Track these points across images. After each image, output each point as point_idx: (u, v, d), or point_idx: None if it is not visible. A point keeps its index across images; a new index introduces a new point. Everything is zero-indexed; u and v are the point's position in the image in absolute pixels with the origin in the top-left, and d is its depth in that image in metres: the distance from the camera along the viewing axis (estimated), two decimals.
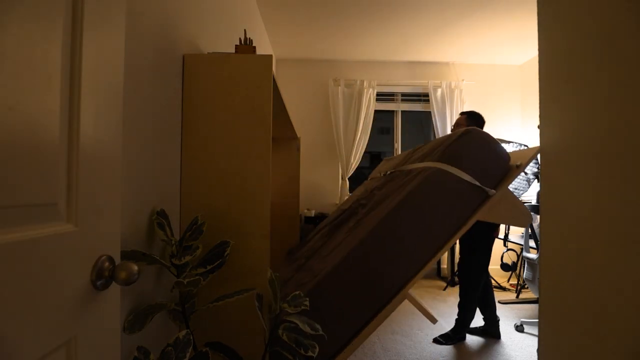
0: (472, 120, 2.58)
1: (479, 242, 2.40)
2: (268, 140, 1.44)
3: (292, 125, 2.74)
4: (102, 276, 0.61)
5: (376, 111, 4.26)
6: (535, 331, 2.53)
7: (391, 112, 4.49)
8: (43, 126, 0.52)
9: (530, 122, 4.16)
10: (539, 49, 0.83)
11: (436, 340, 2.42)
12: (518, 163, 1.84)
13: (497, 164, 1.83)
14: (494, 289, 3.15)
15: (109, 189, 0.67)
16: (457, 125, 2.64)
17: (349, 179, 4.18)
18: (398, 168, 2.29)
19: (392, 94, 4.43)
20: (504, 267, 3.47)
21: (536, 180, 3.28)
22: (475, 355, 2.27)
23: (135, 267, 0.63)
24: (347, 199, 3.00)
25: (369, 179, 3.04)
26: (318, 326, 1.25)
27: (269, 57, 1.48)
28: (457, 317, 2.47)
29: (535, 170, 3.29)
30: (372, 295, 1.58)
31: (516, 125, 4.35)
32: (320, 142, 4.26)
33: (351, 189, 4.34)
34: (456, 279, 3.84)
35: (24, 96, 0.48)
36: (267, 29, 3.54)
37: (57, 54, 0.54)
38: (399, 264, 1.62)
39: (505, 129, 4.28)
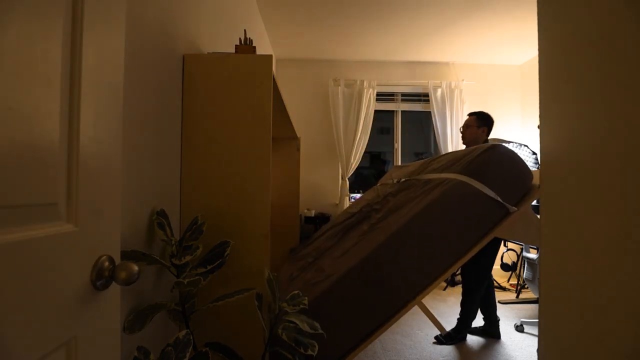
0: (482, 120, 2.57)
1: (485, 247, 2.40)
2: (268, 140, 1.44)
3: (292, 125, 2.74)
4: (102, 276, 0.61)
5: (376, 111, 4.26)
6: (535, 331, 2.53)
7: (391, 112, 4.49)
8: (43, 126, 0.52)
9: (530, 122, 4.16)
10: (539, 49, 0.83)
11: (438, 340, 2.42)
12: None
13: (520, 181, 1.81)
14: (494, 289, 3.14)
15: (109, 189, 0.67)
16: (466, 126, 2.61)
17: (348, 179, 4.18)
18: (414, 177, 2.28)
19: (392, 94, 4.43)
20: (504, 267, 3.47)
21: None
22: (475, 355, 2.27)
23: (135, 267, 0.63)
24: (356, 202, 3.01)
25: (379, 184, 3.05)
26: (317, 325, 1.25)
27: (269, 57, 1.48)
28: (459, 316, 2.47)
29: (536, 170, 3.29)
30: (386, 301, 1.59)
31: (516, 125, 4.35)
32: (320, 142, 4.26)
33: (351, 189, 4.34)
34: (456, 278, 3.84)
35: (24, 96, 0.48)
36: (267, 29, 3.54)
37: (57, 54, 0.54)
38: (414, 272, 1.61)
39: (505, 129, 4.27)
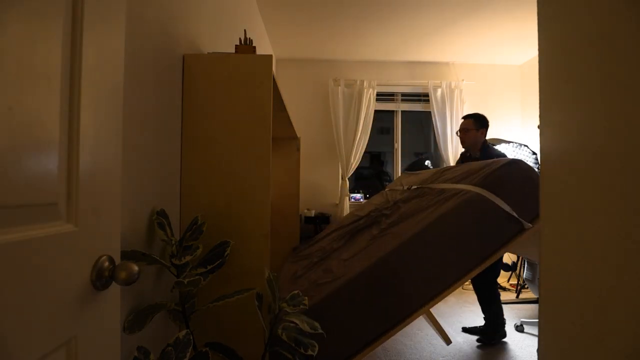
0: (479, 122, 2.56)
1: None
2: (268, 140, 1.44)
3: (292, 125, 2.74)
4: (102, 276, 0.61)
5: (376, 111, 4.26)
6: (535, 331, 2.53)
7: (391, 112, 4.48)
8: (43, 126, 0.52)
9: (530, 122, 4.16)
10: (539, 49, 0.83)
11: (479, 340, 2.42)
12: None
13: (537, 198, 1.80)
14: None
15: (109, 189, 0.67)
16: (465, 130, 2.59)
17: (348, 179, 4.18)
18: (426, 185, 2.28)
19: (392, 94, 4.43)
20: (504, 267, 3.47)
21: None
22: (475, 355, 2.27)
23: (135, 267, 0.62)
24: (363, 206, 3.01)
25: (387, 189, 3.05)
26: (317, 325, 1.25)
27: (269, 57, 1.48)
28: (484, 320, 2.46)
29: (536, 170, 3.29)
30: (395, 307, 1.58)
31: (516, 125, 4.35)
32: (320, 142, 4.26)
33: (351, 189, 4.34)
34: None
35: (24, 96, 0.48)
36: (267, 29, 3.54)
37: (57, 54, 0.54)
38: (426, 280, 1.61)
39: (505, 129, 4.27)
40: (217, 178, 1.43)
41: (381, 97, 4.36)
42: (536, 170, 1.89)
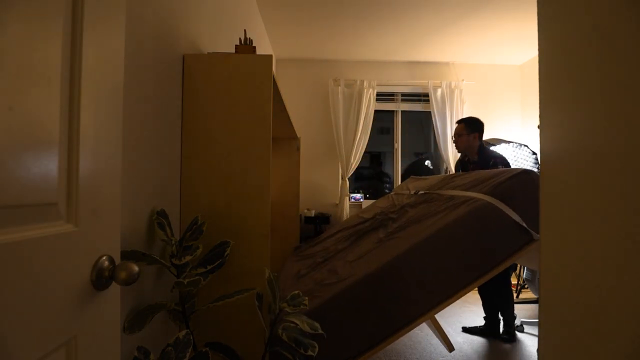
0: (471, 126, 2.57)
1: None
2: (268, 140, 1.44)
3: (292, 125, 2.74)
4: (102, 276, 0.61)
5: (376, 111, 4.25)
6: (535, 331, 2.53)
7: (391, 112, 4.48)
8: (43, 126, 0.52)
9: (530, 122, 4.16)
10: (539, 49, 0.83)
11: (505, 340, 2.43)
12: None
13: None
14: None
15: (109, 188, 0.67)
16: (457, 135, 2.60)
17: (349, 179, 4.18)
18: (434, 190, 2.28)
19: (392, 94, 4.43)
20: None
21: None
22: (475, 355, 2.27)
23: (136, 267, 0.62)
24: (368, 208, 3.02)
25: (393, 192, 3.07)
26: (317, 325, 1.25)
27: (269, 57, 1.48)
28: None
29: (536, 170, 3.29)
30: (402, 311, 1.58)
31: (516, 125, 4.34)
32: (320, 142, 4.26)
33: (351, 189, 4.34)
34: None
35: (24, 96, 0.48)
36: (267, 29, 3.54)
37: (57, 54, 0.54)
38: (432, 285, 1.61)
39: (505, 129, 4.27)
40: (217, 178, 1.43)
41: (381, 97, 4.36)
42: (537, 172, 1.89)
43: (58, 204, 0.55)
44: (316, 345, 1.22)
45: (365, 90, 4.16)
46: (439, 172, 4.64)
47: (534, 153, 3.37)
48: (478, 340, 2.47)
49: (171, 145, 1.35)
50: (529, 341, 2.42)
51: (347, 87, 4.23)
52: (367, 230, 2.29)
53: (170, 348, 0.96)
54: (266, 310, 1.26)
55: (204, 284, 1.12)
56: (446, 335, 1.71)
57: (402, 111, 4.47)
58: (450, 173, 4.02)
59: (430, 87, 4.23)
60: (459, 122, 2.67)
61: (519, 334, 2.54)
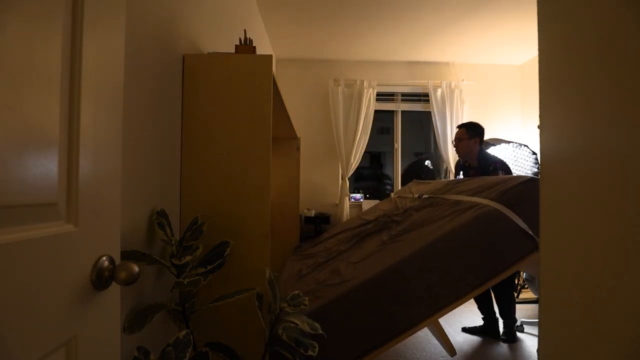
0: (472, 131, 2.57)
1: None
2: (268, 140, 1.44)
3: (292, 125, 2.74)
4: (102, 276, 0.61)
5: (376, 111, 4.26)
6: (535, 331, 2.53)
7: (391, 112, 4.48)
8: (43, 126, 0.52)
9: (530, 122, 4.16)
10: (539, 49, 0.83)
11: (504, 341, 2.43)
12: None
13: None
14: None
15: (109, 189, 0.67)
16: (458, 140, 2.59)
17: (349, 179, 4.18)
18: (439, 195, 2.28)
19: (392, 94, 4.43)
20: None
21: None
22: (475, 355, 2.27)
23: (136, 267, 0.62)
24: (370, 210, 3.02)
25: (395, 195, 3.07)
26: (317, 325, 1.25)
27: (269, 57, 1.48)
28: (504, 322, 2.47)
29: (535, 170, 3.29)
30: (406, 313, 1.58)
31: (516, 125, 4.35)
32: (320, 142, 4.26)
33: (351, 189, 4.34)
34: None
35: (24, 96, 0.48)
36: (267, 29, 3.54)
37: (57, 54, 0.54)
38: (436, 290, 1.61)
39: (505, 129, 4.27)
40: (217, 178, 1.43)
41: (381, 97, 4.36)
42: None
43: (58, 204, 0.55)
44: (316, 345, 1.22)
45: (365, 90, 4.16)
46: (439, 172, 4.64)
47: (534, 153, 3.37)
48: (478, 341, 2.47)
49: (171, 145, 1.35)
50: (529, 341, 2.42)
51: (347, 87, 4.23)
52: (370, 232, 2.29)
53: (170, 348, 0.96)
54: (266, 310, 1.26)
55: (204, 284, 1.12)
56: (449, 340, 1.71)
57: (402, 111, 4.47)
58: (451, 173, 4.02)
59: (430, 87, 4.23)
60: (460, 126, 2.67)
61: (519, 334, 2.53)
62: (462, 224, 1.68)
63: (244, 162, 1.43)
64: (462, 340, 2.47)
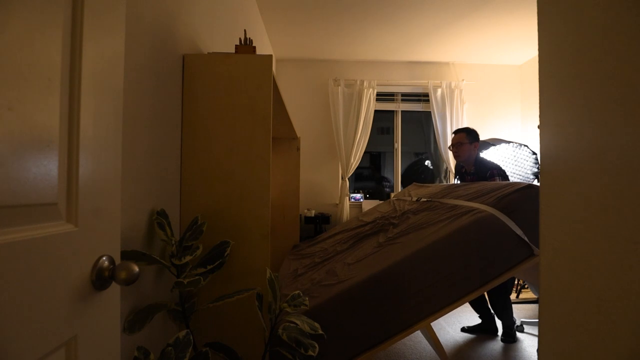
0: (472, 136, 2.57)
1: None
2: (268, 140, 1.44)
3: (292, 125, 2.74)
4: (102, 276, 0.61)
5: (376, 111, 4.25)
6: (535, 331, 2.53)
7: (391, 112, 4.48)
8: (43, 126, 0.52)
9: (530, 122, 4.16)
10: (539, 49, 0.83)
11: (504, 341, 2.43)
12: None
13: None
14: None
15: (109, 189, 0.67)
16: (459, 144, 2.57)
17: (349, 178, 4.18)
18: (437, 199, 2.28)
19: (392, 94, 4.43)
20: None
21: (536, 180, 3.28)
22: (475, 355, 2.27)
23: (136, 267, 0.62)
24: (368, 212, 3.03)
25: (394, 198, 3.07)
26: (317, 325, 1.26)
27: (269, 57, 1.48)
28: (503, 324, 2.47)
29: (536, 170, 3.29)
30: (397, 316, 1.58)
31: (516, 125, 4.35)
32: (320, 142, 4.26)
33: (351, 189, 4.33)
34: None
35: (24, 96, 0.48)
36: (267, 29, 3.54)
37: (57, 55, 0.54)
38: (430, 293, 1.61)
39: (505, 129, 4.27)
40: (217, 178, 1.43)
41: (381, 97, 4.36)
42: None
43: (58, 204, 0.55)
44: (316, 345, 1.22)
45: (365, 90, 4.16)
46: (439, 172, 4.64)
47: (534, 153, 3.37)
48: (478, 341, 2.47)
49: (171, 145, 1.35)
50: (529, 341, 2.42)
51: (347, 87, 4.23)
52: (367, 233, 2.29)
53: (170, 348, 0.96)
54: (266, 310, 1.26)
55: (204, 283, 1.12)
56: (441, 346, 1.70)
57: (402, 111, 4.47)
58: (451, 173, 4.02)
59: (430, 87, 4.23)
60: (458, 131, 2.65)
61: (519, 334, 2.54)
62: (458, 229, 1.69)
63: (244, 162, 1.43)
64: (462, 341, 2.47)
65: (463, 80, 4.24)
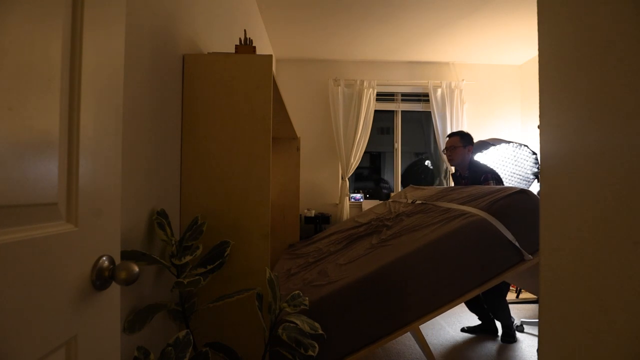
0: (466, 139, 2.57)
1: None
2: (268, 140, 1.44)
3: (292, 125, 2.74)
4: (102, 276, 0.61)
5: (376, 111, 4.25)
6: (535, 331, 2.53)
7: (391, 112, 4.48)
8: (43, 126, 0.52)
9: (530, 122, 4.16)
10: (539, 49, 0.83)
11: (504, 341, 2.42)
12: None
13: None
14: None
15: (109, 189, 0.67)
16: (452, 148, 2.57)
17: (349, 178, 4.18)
18: (431, 201, 2.29)
19: (392, 94, 4.43)
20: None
21: (536, 180, 3.28)
22: (475, 355, 2.27)
23: (136, 267, 0.62)
24: (364, 213, 3.03)
25: (391, 199, 3.08)
26: (317, 325, 1.26)
27: (269, 57, 1.48)
28: (501, 324, 2.46)
29: (536, 170, 3.29)
30: (388, 318, 1.58)
31: (516, 125, 4.35)
32: (320, 142, 4.26)
33: (351, 189, 4.33)
34: None
35: (24, 96, 0.48)
36: (267, 29, 3.54)
37: (57, 54, 0.54)
38: (420, 295, 1.61)
39: (505, 129, 4.27)
40: (217, 178, 1.43)
41: (381, 97, 4.36)
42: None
43: (58, 204, 0.55)
44: (316, 345, 1.22)
45: (365, 90, 4.16)
46: (439, 173, 4.64)
47: (534, 153, 3.37)
48: (478, 341, 2.47)
49: (171, 145, 1.35)
50: (529, 341, 2.42)
51: (347, 87, 4.23)
52: (361, 234, 2.30)
53: (170, 348, 0.96)
54: (266, 310, 1.26)
55: (204, 284, 1.12)
56: (429, 349, 1.70)
57: (402, 111, 4.47)
58: (450, 176, 4.02)
59: (430, 87, 4.23)
60: (451, 135, 2.65)
61: (519, 334, 2.54)
62: (449, 233, 1.68)
63: (243, 162, 1.43)
64: (461, 341, 2.47)
65: (463, 80, 4.24)
